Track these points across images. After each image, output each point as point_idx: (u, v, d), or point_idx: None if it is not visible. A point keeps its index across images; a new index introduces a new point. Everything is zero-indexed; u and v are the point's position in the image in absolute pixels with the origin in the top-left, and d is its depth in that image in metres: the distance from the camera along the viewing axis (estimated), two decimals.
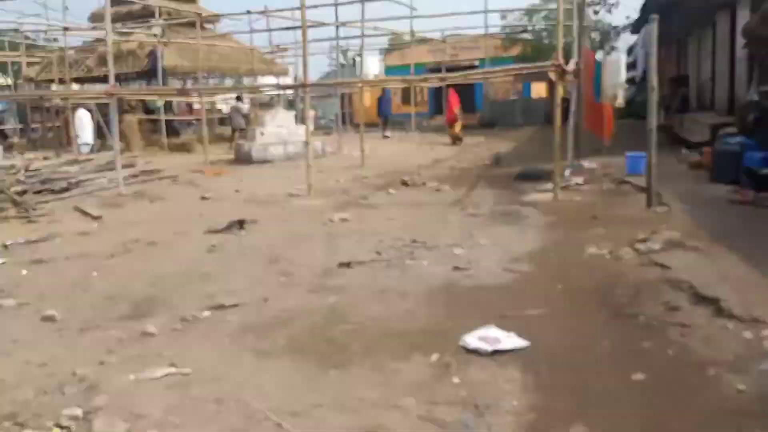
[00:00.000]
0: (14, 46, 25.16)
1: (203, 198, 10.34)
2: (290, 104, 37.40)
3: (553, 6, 22.88)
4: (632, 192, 8.86)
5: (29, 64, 24.32)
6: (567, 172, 10.14)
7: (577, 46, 11.45)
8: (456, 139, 19.63)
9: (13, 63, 26.74)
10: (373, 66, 34.49)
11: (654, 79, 7.47)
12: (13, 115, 25.42)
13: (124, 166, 13.52)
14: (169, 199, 10.49)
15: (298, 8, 12.43)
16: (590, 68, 11.99)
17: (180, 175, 13.91)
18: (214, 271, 5.73)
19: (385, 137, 21.26)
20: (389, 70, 32.80)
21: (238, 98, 21.57)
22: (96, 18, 23.52)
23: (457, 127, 19.87)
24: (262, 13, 19.01)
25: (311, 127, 16.55)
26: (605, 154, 12.17)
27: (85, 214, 8.91)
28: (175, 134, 27.34)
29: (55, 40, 24.15)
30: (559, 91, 8.80)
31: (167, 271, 5.78)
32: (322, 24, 18.44)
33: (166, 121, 26.46)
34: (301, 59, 23.88)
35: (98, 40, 22.93)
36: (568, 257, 5.73)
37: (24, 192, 10.82)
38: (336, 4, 15.49)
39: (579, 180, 9.80)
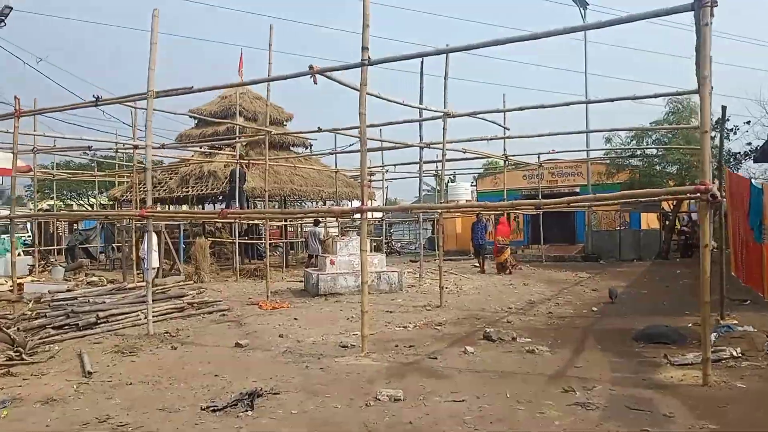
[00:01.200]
0: (110, 166, 25.72)
1: (237, 345, 8.41)
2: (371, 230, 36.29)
3: (664, 127, 20.63)
4: None
5: (119, 184, 24.66)
6: (713, 336, 7.42)
7: (716, 167, 9.01)
8: (502, 268, 18.89)
9: (108, 183, 27.45)
10: (464, 191, 32.99)
11: None
12: (99, 235, 25.54)
13: (175, 297, 12.08)
14: (198, 344, 8.64)
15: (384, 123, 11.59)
16: (744, 196, 9.40)
17: (233, 308, 12.26)
18: None
19: (480, 271, 19.00)
20: (481, 195, 31.10)
21: (316, 222, 20.33)
22: (182, 139, 23.73)
23: (503, 257, 19.30)
24: (332, 131, 17.99)
25: (377, 261, 14.77)
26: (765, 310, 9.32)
27: (82, 366, 7.15)
28: (260, 258, 26.52)
29: (140, 162, 24.56)
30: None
31: None
32: (407, 145, 17.08)
33: (250, 245, 26.07)
34: (384, 183, 22.46)
35: (183, 161, 22.96)
36: None
37: (42, 327, 9.39)
38: (421, 120, 13.91)
39: (735, 351, 7.03)
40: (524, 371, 6.76)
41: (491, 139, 16.00)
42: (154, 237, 16.52)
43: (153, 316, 10.58)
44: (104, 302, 10.95)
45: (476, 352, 7.75)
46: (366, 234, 7.95)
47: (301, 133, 20.72)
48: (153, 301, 11.32)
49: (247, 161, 19.84)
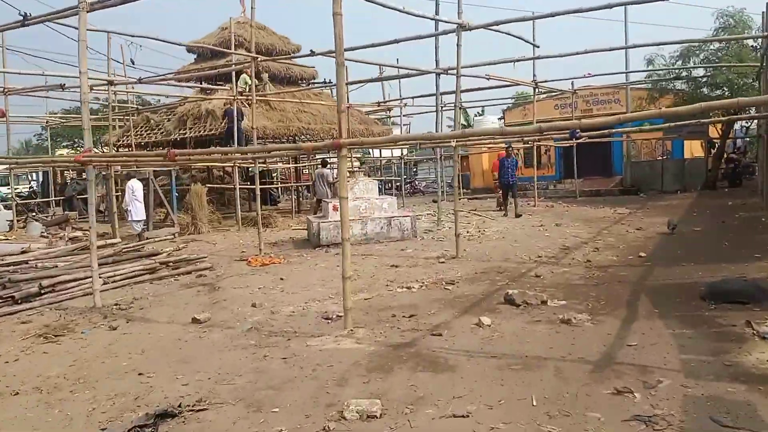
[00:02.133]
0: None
1: (194, 321, 6.73)
2: (378, 170, 34.23)
3: (718, 38, 17.99)
4: None
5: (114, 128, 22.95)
6: None
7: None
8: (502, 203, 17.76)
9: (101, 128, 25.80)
10: (491, 125, 30.56)
11: None
12: (101, 183, 24.09)
13: (146, 256, 10.46)
14: (147, 320, 6.99)
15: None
16: None
17: (218, 265, 10.63)
18: None
19: (505, 214, 16.61)
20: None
21: (324, 162, 18.44)
22: (181, 78, 21.76)
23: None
24: (327, 53, 15.79)
25: (387, 205, 12.85)
26: None
27: None
28: (273, 204, 24.91)
29: (146, 103, 22.75)
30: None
31: None
32: (420, 71, 14.88)
33: (263, 189, 24.38)
34: (403, 118, 20.26)
35: (184, 99, 21.06)
36: None
37: None
38: (433, 35, 11.67)
39: None
40: (558, 356, 4.91)
41: (518, 60, 13.74)
42: (138, 185, 14.93)
43: (113, 281, 9.03)
44: (56, 266, 9.38)
45: (494, 323, 5.91)
46: (345, 174, 6.04)
47: (293, 57, 18.39)
48: (116, 262, 9.78)
49: (245, 97, 17.85)
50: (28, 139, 52.15)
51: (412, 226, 12.67)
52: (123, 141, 20.91)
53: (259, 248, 11.81)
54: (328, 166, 19.15)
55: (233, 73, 17.45)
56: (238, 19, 21.49)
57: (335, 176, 16.58)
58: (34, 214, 18.00)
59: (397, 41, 10.63)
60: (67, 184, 23.28)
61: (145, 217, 15.03)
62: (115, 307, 7.72)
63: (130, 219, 14.81)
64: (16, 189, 25.58)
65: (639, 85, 23.03)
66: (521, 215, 15.83)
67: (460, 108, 24.98)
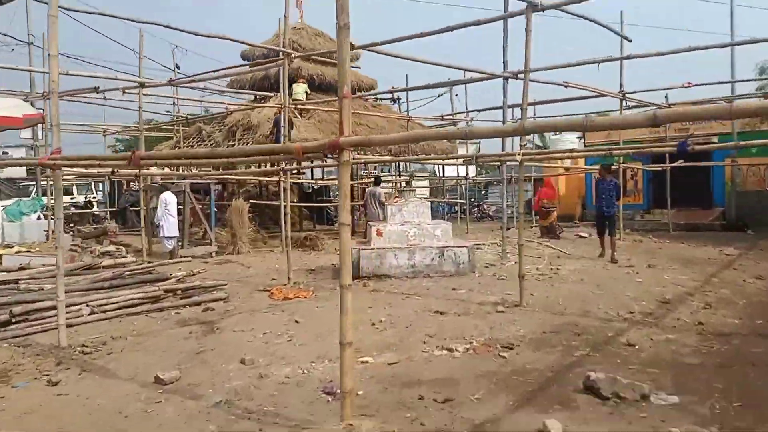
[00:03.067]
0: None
1: (157, 381, 5.02)
2: (444, 192, 32.01)
3: None
4: None
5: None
6: None
7: None
8: (548, 232, 16.94)
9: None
10: (569, 144, 27.99)
11: None
12: (156, 195, 23.31)
13: (150, 281, 8.93)
14: (102, 374, 5.34)
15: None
16: None
17: (235, 295, 9.00)
18: None
19: (601, 254, 12.42)
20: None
21: (377, 180, 16.67)
22: (233, 84, 20.69)
23: (549, 219, 17.38)
24: (370, 46, 13.81)
25: (440, 232, 10.84)
26: None
27: None
28: (331, 223, 23.34)
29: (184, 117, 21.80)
30: None
31: None
32: (488, 76, 12.87)
33: (320, 207, 22.91)
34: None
35: (237, 108, 19.87)
36: None
37: None
38: (500, 18, 9.70)
39: None
40: None
41: (603, 61, 11.53)
42: (171, 198, 13.62)
43: (104, 311, 7.50)
44: (41, 289, 7.96)
45: (568, 431, 3.86)
46: (346, 190, 4.15)
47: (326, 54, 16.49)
48: (114, 287, 8.28)
49: (293, 106, 16.41)
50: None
51: (470, 259, 10.62)
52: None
53: (288, 277, 10.09)
54: (382, 184, 17.35)
55: (281, 79, 16.00)
56: (294, 25, 20.25)
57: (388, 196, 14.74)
58: (72, 225, 17.07)
59: (451, 29, 8.70)
60: (123, 195, 22.56)
61: (178, 234, 13.69)
62: (79, 349, 6.13)
63: (161, 235, 13.51)
64: (73, 199, 25.37)
65: (747, 99, 20.02)
66: (616, 261, 11.46)
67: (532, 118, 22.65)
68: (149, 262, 12.59)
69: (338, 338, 4.21)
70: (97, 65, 20.62)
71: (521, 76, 12.31)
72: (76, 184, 26.58)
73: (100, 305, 7.55)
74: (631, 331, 6.39)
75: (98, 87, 13.18)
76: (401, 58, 10.01)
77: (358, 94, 19.30)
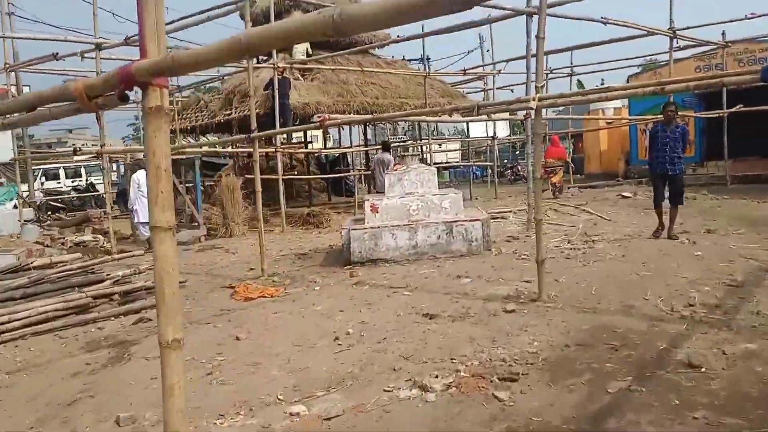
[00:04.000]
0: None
1: None
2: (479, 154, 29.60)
3: None
4: None
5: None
6: None
7: None
8: (554, 190, 16.49)
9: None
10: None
11: None
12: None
13: (78, 285, 7.34)
14: None
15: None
16: None
17: (193, 295, 7.39)
18: None
19: (658, 230, 8.94)
20: (637, 101, 23.20)
21: (385, 146, 14.74)
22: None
23: (555, 178, 16.76)
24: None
25: (448, 204, 8.90)
26: None
27: None
28: (350, 194, 21.55)
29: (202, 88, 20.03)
30: None
31: None
32: (509, 12, 10.74)
33: (335, 179, 21.08)
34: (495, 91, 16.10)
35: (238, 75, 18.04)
36: None
37: None
38: None
39: None
40: None
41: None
42: (145, 178, 12.00)
43: (7, 330, 5.94)
44: None
45: None
46: (163, 159, 2.32)
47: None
48: (28, 296, 6.71)
49: (289, 66, 14.57)
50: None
51: (484, 235, 8.69)
52: (175, 125, 18.32)
53: (261, 268, 8.39)
54: (391, 149, 15.41)
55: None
56: None
57: (398, 163, 12.80)
58: (50, 213, 15.72)
59: None
60: (122, 177, 21.26)
61: None
62: None
63: (136, 221, 11.97)
64: (74, 182, 24.26)
65: None
66: (676, 238, 8.47)
67: (570, 76, 20.19)
68: (121, 253, 11.13)
69: (278, 371, 2.59)
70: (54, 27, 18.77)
71: (551, 11, 10.32)
72: (84, 165, 25.52)
73: (1, 323, 5.98)
74: (693, 339, 4.44)
75: (57, 53, 11.56)
76: None
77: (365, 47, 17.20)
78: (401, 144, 24.07)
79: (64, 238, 12.14)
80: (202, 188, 16.59)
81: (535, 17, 10.04)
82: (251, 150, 17.82)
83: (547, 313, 5.38)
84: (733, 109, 15.74)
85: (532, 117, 7.52)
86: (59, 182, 25.59)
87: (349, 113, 16.41)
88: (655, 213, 9.04)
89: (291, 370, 4.55)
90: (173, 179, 11.96)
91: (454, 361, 4.40)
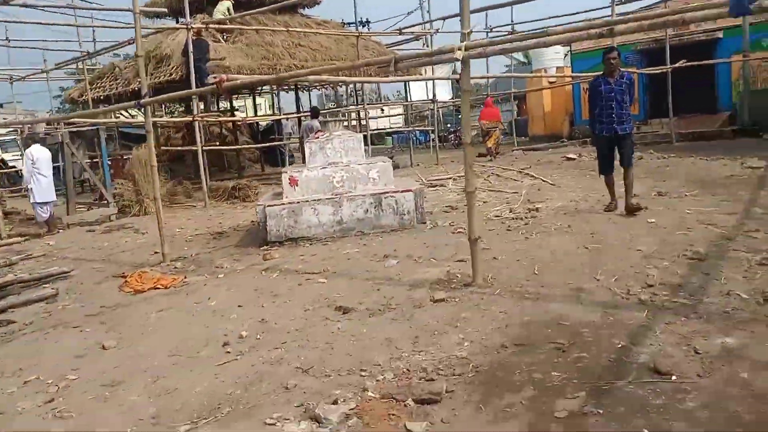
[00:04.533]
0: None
1: None
2: (422, 119, 28.62)
3: None
4: None
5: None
6: None
7: None
8: (490, 153, 16.29)
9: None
10: (553, 54, 24.68)
11: None
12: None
13: None
14: None
15: None
16: None
17: (75, 288, 6.26)
18: None
19: (610, 204, 7.56)
20: (578, 59, 22.58)
21: (315, 112, 13.61)
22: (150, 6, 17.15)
23: (490, 141, 16.60)
24: None
25: (377, 174, 7.89)
26: None
27: None
28: (286, 164, 20.29)
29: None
30: None
31: None
32: None
33: (268, 149, 19.76)
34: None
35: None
36: None
37: None
38: None
39: None
40: None
41: None
42: (42, 154, 10.58)
43: None
44: None
45: None
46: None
47: None
48: None
49: (202, 27, 13.16)
50: None
51: (416, 207, 7.75)
52: (87, 95, 16.62)
53: (162, 253, 7.26)
54: (320, 115, 14.26)
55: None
56: None
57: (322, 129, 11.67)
58: None
59: None
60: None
61: (53, 198, 10.71)
62: None
63: (31, 201, 10.55)
64: None
65: None
66: (638, 209, 7.03)
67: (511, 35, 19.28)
68: (18, 237, 9.82)
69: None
70: None
71: None
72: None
73: None
74: (657, 333, 3.61)
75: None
76: None
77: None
78: (332, 110, 22.90)
79: None
80: (113, 161, 15.18)
81: None
82: (176, 119, 16.43)
83: (482, 301, 4.48)
84: (678, 64, 15.26)
85: (457, 70, 6.38)
86: None
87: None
88: (604, 183, 7.58)
89: (156, 393, 3.52)
90: (76, 152, 10.59)
91: (363, 373, 3.45)
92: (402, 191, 7.76)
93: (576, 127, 21.44)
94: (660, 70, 15.72)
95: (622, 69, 7.53)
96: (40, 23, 13.94)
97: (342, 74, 12.43)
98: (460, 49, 4.90)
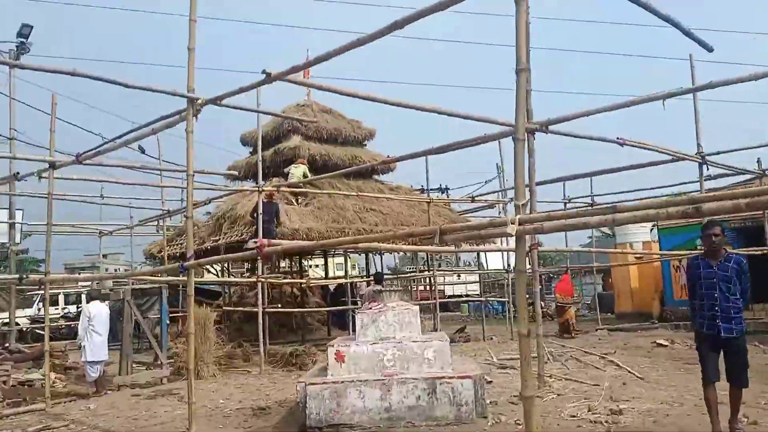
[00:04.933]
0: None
1: None
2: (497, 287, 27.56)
3: None
4: None
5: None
6: None
7: None
8: (565, 330, 15.57)
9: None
10: (639, 228, 23.63)
11: None
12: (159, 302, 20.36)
13: None
14: None
15: None
16: None
17: None
18: None
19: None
20: (666, 234, 21.25)
21: (378, 278, 13.10)
22: (231, 170, 17.94)
23: (566, 316, 15.76)
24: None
25: (432, 354, 6.95)
26: None
27: None
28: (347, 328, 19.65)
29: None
30: None
31: None
32: (499, 132, 9.42)
33: (338, 312, 19.32)
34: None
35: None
36: None
37: None
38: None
39: None
40: None
41: (673, 95, 7.87)
42: (97, 310, 10.44)
43: None
44: None
45: None
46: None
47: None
48: None
49: (272, 190, 13.39)
50: None
51: (477, 398, 6.73)
52: (166, 251, 17.09)
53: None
54: (382, 281, 13.74)
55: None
56: (299, 102, 17.75)
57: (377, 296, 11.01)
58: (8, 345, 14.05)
59: None
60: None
61: (105, 357, 10.35)
62: None
63: (83, 359, 10.23)
64: (65, 309, 22.91)
65: None
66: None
67: (591, 206, 18.70)
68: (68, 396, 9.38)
69: None
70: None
71: (554, 127, 8.94)
72: (64, 293, 24.29)
73: None
74: None
75: (18, 173, 10.48)
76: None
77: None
78: (403, 275, 22.50)
79: (8, 375, 10.40)
80: (179, 318, 15.03)
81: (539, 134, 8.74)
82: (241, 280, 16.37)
83: None
84: None
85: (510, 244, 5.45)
86: (57, 308, 24.36)
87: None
88: (704, 392, 5.65)
89: None
90: (136, 312, 10.35)
91: None
92: (460, 377, 6.80)
93: (667, 307, 19.75)
94: (760, 251, 14.36)
95: (728, 250, 6.21)
96: (129, 184, 14.65)
97: (396, 242, 12.01)
98: (513, 222, 4.25)
